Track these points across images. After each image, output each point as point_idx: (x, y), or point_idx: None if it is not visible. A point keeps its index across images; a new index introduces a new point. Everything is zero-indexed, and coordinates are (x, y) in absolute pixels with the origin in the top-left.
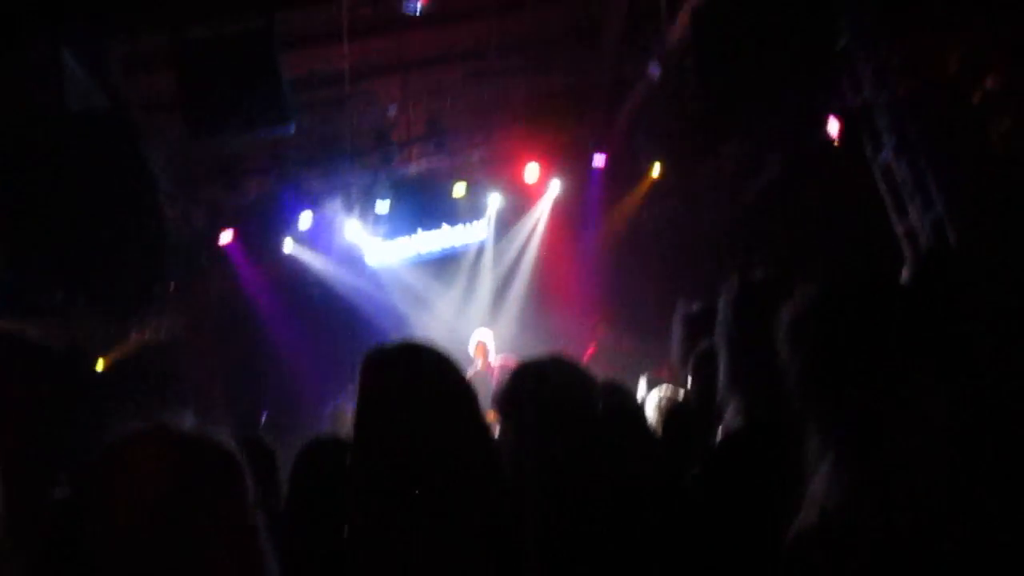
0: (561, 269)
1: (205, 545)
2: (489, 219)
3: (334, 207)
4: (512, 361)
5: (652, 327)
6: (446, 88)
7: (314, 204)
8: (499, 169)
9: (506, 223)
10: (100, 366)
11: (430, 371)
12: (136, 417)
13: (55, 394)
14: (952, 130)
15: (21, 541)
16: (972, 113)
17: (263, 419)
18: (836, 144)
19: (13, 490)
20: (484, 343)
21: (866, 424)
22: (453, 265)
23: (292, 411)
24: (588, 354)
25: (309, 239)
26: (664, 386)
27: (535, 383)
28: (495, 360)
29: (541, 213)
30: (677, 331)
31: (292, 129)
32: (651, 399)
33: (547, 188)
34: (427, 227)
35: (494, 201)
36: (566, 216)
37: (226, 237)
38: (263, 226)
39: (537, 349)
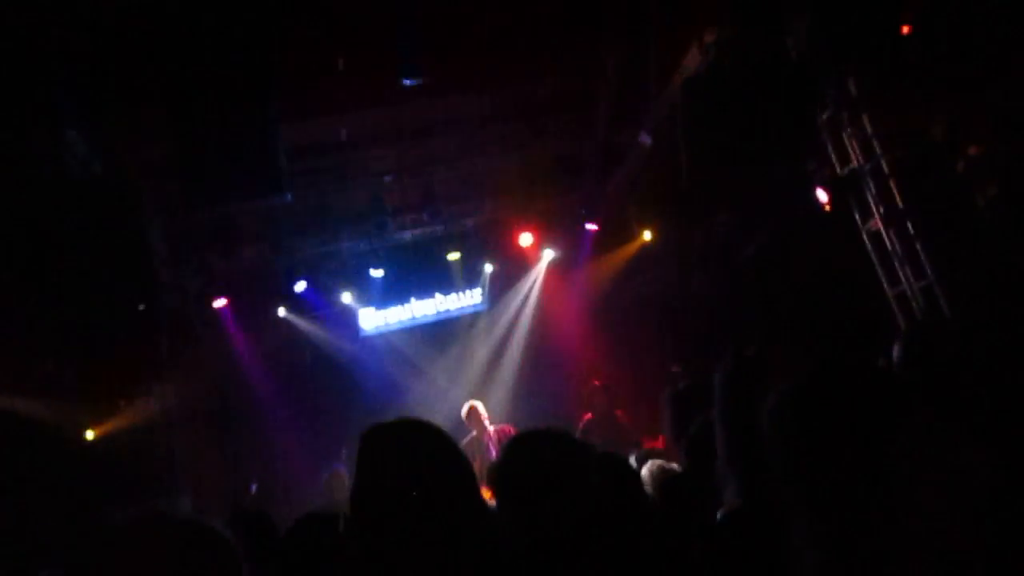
0: (555, 337)
1: None
2: (483, 287)
3: (328, 274)
4: (511, 430)
5: (647, 393)
6: (440, 157)
7: (308, 271)
8: (493, 237)
9: (500, 290)
10: (90, 436)
11: (428, 450)
12: (130, 501)
13: (43, 471)
14: (939, 198)
15: None
16: (958, 181)
17: (253, 489)
18: (825, 211)
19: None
20: (478, 409)
21: (848, 515)
22: (447, 332)
23: (284, 478)
24: (584, 419)
25: (303, 305)
26: (655, 461)
27: (529, 460)
28: (491, 428)
29: (535, 281)
30: (667, 409)
31: (289, 197)
32: (643, 474)
33: (540, 256)
34: (421, 294)
35: (488, 269)
36: (559, 284)
37: (220, 303)
38: (257, 292)
39: (532, 417)
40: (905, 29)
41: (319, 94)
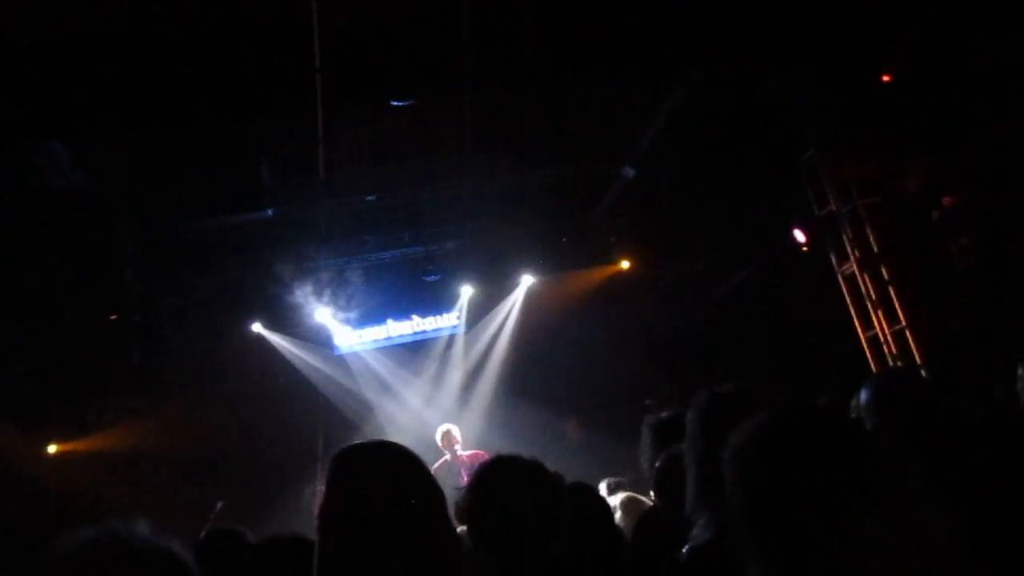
0: (531, 363)
1: None
2: (461, 310)
3: (305, 291)
4: (484, 455)
5: (623, 423)
6: (424, 179)
7: (285, 287)
8: (473, 261)
9: (477, 314)
10: (52, 450)
11: (399, 473)
12: (86, 522)
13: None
14: (914, 245)
15: None
16: (932, 229)
17: (219, 507)
18: (803, 251)
19: None
20: (452, 433)
21: (797, 563)
22: (422, 354)
23: (253, 496)
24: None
25: (278, 322)
26: (627, 493)
27: (498, 488)
28: (464, 453)
29: (513, 306)
30: (646, 438)
31: (270, 213)
32: (613, 504)
33: (519, 281)
34: (398, 315)
35: (466, 292)
36: (537, 310)
37: (195, 317)
38: (232, 307)
39: (505, 442)
40: (886, 78)
41: (303, 113)
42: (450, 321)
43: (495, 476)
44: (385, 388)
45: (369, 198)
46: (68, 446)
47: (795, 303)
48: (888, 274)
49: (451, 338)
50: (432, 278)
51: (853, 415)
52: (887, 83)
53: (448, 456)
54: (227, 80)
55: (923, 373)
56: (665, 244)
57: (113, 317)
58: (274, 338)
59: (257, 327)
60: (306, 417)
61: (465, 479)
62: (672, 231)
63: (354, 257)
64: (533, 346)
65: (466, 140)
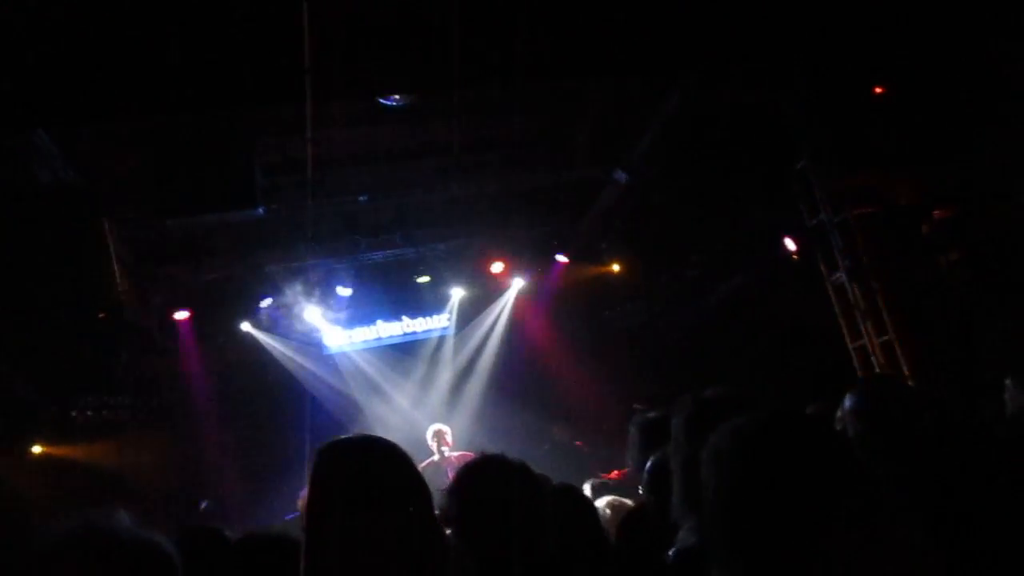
0: (520, 365)
1: None
2: (451, 311)
3: (294, 291)
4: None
5: (611, 427)
6: (416, 180)
7: (275, 287)
8: (464, 262)
9: (467, 316)
10: (37, 450)
11: (385, 467)
12: (66, 515)
13: None
14: (903, 257)
15: None
16: (922, 242)
17: (203, 505)
18: (794, 260)
19: None
20: (444, 433)
21: (764, 566)
22: (412, 355)
23: (239, 495)
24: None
25: (267, 321)
26: (607, 498)
27: (481, 487)
28: (453, 454)
29: (503, 309)
30: (634, 438)
31: (261, 211)
32: (599, 506)
33: (510, 284)
34: (388, 316)
35: (457, 294)
36: (528, 313)
37: (182, 315)
38: (221, 306)
39: (493, 445)
40: (879, 90)
41: (296, 109)
42: (440, 323)
43: (478, 475)
44: (374, 389)
45: (361, 198)
46: (53, 447)
47: (784, 312)
48: (877, 285)
49: (441, 339)
50: (423, 279)
51: (838, 422)
52: (880, 95)
53: (436, 457)
54: (216, 73)
55: (909, 384)
56: (656, 250)
57: (101, 315)
58: (263, 337)
59: (246, 326)
60: (295, 417)
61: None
62: (663, 237)
63: (345, 257)
64: (523, 349)
65: (457, 142)
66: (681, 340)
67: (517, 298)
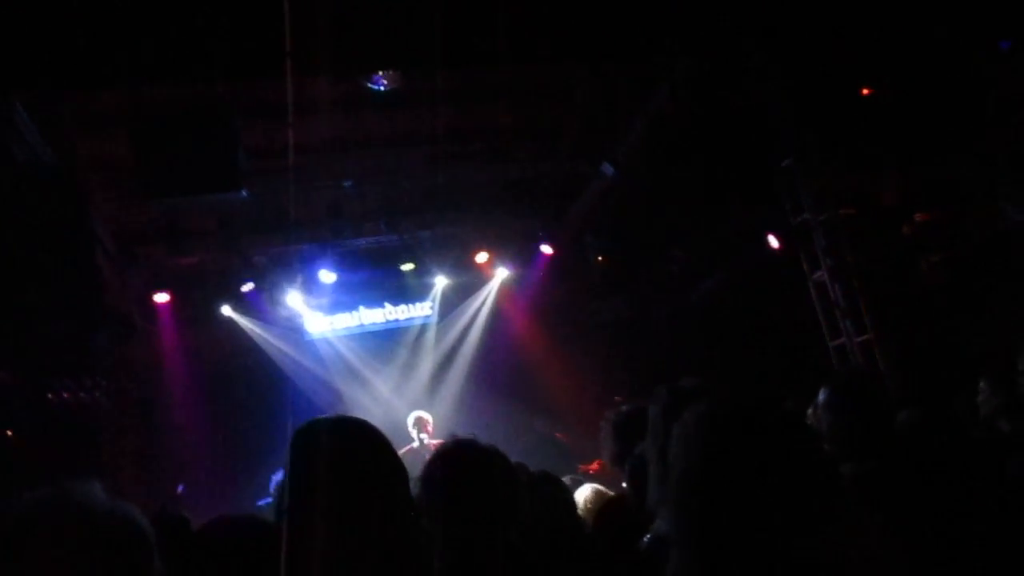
0: (502, 355)
1: None
2: (434, 300)
3: (277, 276)
4: None
5: (591, 419)
6: (403, 168)
7: (257, 271)
8: (448, 251)
9: (450, 305)
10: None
11: (363, 446)
12: (40, 485)
13: None
14: (885, 258)
15: None
16: (904, 244)
17: (180, 490)
18: (776, 257)
19: None
20: (426, 421)
21: (715, 550)
22: (394, 342)
23: (218, 480)
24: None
25: (249, 306)
26: (588, 486)
27: (453, 470)
28: (433, 442)
29: (486, 299)
30: (609, 432)
31: (244, 194)
32: (577, 497)
33: (494, 274)
34: (370, 303)
35: (440, 283)
36: (510, 304)
37: (162, 298)
38: (203, 290)
39: (473, 432)
40: (866, 91)
41: (284, 93)
42: (423, 311)
43: (450, 461)
44: (355, 375)
45: (346, 184)
46: (27, 428)
47: (766, 309)
48: (858, 285)
49: (423, 328)
50: (406, 267)
51: (813, 415)
52: (867, 97)
53: (416, 444)
54: (195, 45)
55: (883, 383)
56: (640, 244)
57: (80, 296)
58: (244, 321)
59: (227, 310)
60: (274, 403)
61: None
62: (647, 231)
63: (328, 243)
64: (505, 339)
65: (447, 131)
66: (663, 334)
67: (500, 289)
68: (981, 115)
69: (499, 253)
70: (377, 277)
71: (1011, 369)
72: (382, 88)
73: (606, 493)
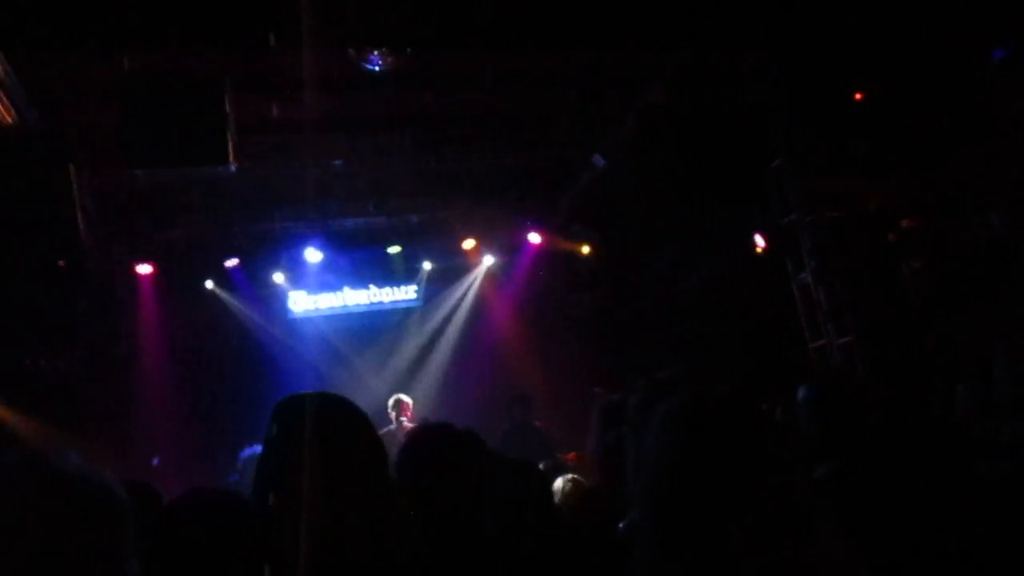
0: (485, 342)
1: None
2: (419, 283)
3: (263, 253)
4: None
5: (567, 408)
6: (393, 150)
7: (243, 247)
8: (436, 236)
9: (436, 289)
10: None
11: (341, 422)
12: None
13: None
14: (869, 262)
15: None
16: (887, 249)
17: (155, 462)
18: (762, 256)
19: None
20: (406, 404)
21: (680, 543)
22: (377, 324)
23: (191, 456)
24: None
25: (233, 281)
26: (565, 476)
27: (426, 452)
28: (411, 425)
29: (472, 284)
30: (595, 421)
31: (232, 167)
32: (554, 486)
33: (481, 260)
34: (356, 283)
35: (427, 266)
36: (496, 290)
37: (145, 270)
38: (187, 264)
39: (453, 418)
40: (858, 96)
41: (277, 68)
42: (408, 294)
43: (423, 444)
44: (337, 355)
45: (336, 163)
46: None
47: (748, 307)
48: (841, 288)
49: (407, 311)
50: (393, 250)
51: (782, 411)
52: (859, 101)
53: (394, 426)
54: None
55: (862, 385)
56: (627, 237)
57: (62, 263)
58: (227, 297)
59: (211, 285)
60: (254, 379)
61: None
62: (635, 224)
63: (315, 222)
64: (489, 326)
65: (440, 115)
66: (646, 327)
67: (486, 275)
68: (972, 123)
69: (486, 240)
70: (363, 258)
71: (987, 375)
72: (377, 68)
73: (582, 482)
